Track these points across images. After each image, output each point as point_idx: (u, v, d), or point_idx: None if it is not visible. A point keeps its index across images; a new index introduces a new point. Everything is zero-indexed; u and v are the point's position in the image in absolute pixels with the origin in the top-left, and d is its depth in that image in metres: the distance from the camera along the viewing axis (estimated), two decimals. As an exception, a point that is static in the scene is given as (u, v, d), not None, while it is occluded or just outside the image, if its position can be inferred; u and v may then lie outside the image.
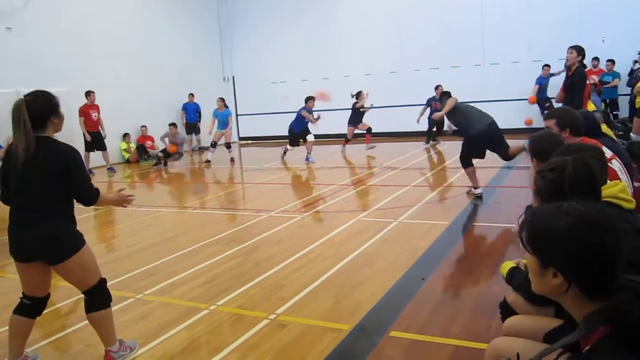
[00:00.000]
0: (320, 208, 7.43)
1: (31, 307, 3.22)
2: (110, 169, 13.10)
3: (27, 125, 2.95)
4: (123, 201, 3.52)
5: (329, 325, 3.68)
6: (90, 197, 3.16)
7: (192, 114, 16.52)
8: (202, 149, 16.74)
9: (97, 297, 3.23)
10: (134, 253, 5.89)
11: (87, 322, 3.75)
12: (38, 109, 3.02)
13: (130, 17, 15.33)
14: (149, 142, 15.32)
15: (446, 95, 7.80)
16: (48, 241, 3.04)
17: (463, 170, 7.52)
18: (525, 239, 1.51)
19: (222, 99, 13.98)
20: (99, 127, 12.81)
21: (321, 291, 4.37)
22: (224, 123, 13.65)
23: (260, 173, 11.34)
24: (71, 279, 3.20)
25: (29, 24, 12.49)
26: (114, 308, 4.14)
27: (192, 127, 16.58)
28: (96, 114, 12.72)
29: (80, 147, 12.67)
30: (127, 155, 14.85)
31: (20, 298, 3.23)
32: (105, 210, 8.46)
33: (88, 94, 12.65)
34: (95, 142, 12.73)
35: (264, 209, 7.52)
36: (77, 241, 3.15)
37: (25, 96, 3.05)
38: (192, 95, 16.45)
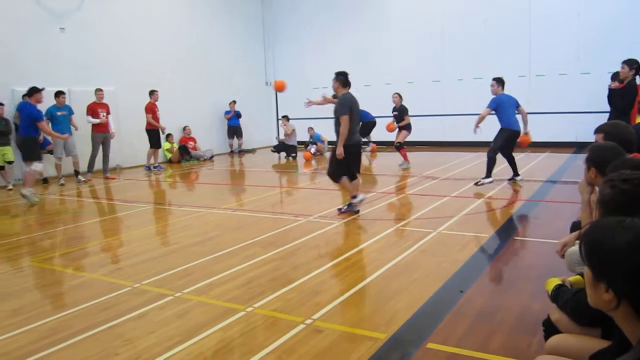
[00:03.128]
0: (358, 215, 7.41)
1: None
2: (158, 167, 13.46)
3: None
4: None
5: (365, 334, 3.66)
6: None
7: (234, 118, 16.77)
8: (242, 152, 16.97)
9: None
10: (174, 252, 6.00)
11: (126, 317, 3.86)
12: None
13: (177, 20, 15.68)
14: (191, 143, 15.59)
15: None
16: None
17: (505, 182, 7.39)
18: (583, 249, 1.48)
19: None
20: (159, 125, 13.28)
21: (358, 298, 4.35)
22: None
23: (300, 177, 11.40)
24: None
25: (81, 24, 12.91)
26: (153, 304, 4.25)
27: (234, 130, 16.82)
28: (160, 112, 13.22)
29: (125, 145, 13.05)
30: (169, 155, 15.15)
31: None
32: (146, 208, 8.63)
33: (152, 92, 13.07)
34: (158, 138, 13.23)
35: (303, 213, 7.55)
36: None
37: None
38: (233, 102, 16.69)
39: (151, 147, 13.35)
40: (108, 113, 12.32)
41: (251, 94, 17.69)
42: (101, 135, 12.20)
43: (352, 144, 7.15)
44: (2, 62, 11.51)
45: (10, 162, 11.33)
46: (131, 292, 4.64)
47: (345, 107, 7.02)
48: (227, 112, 16.82)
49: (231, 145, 17.09)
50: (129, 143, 13.67)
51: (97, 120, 12.02)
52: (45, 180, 11.74)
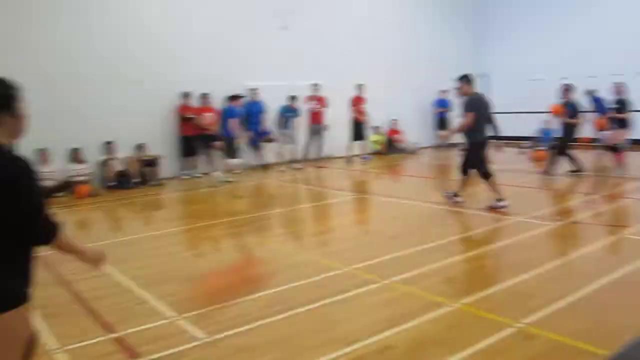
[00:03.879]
0: (576, 218, 6.81)
1: None
2: (366, 158, 13.94)
3: None
4: (98, 260, 2.49)
5: (584, 347, 3.36)
6: (46, 236, 2.14)
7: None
8: (447, 146, 16.67)
9: None
10: (381, 240, 6.17)
11: (338, 297, 4.09)
12: None
13: (387, 11, 16.00)
14: (397, 136, 15.83)
15: None
16: None
17: None
18: None
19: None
20: (364, 118, 13.74)
21: (577, 307, 4.01)
22: None
23: (510, 175, 10.85)
24: None
25: (298, 24, 13.87)
26: (363, 289, 4.44)
27: (442, 122, 16.61)
28: (363, 105, 13.71)
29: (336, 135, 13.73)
30: (377, 147, 15.57)
31: None
32: (355, 197, 9.00)
33: (359, 86, 13.64)
34: (361, 131, 13.73)
35: (514, 212, 7.18)
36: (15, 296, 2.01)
37: None
38: (444, 91, 16.46)
39: (353, 139, 13.83)
40: (323, 106, 13.13)
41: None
42: (315, 126, 13.06)
43: (476, 142, 7.50)
44: (235, 58, 12.91)
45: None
46: (342, 275, 4.91)
47: (469, 106, 7.48)
48: (439, 104, 16.60)
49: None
50: (340, 134, 14.34)
51: (309, 107, 12.95)
52: (265, 167, 12.93)
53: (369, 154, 14.43)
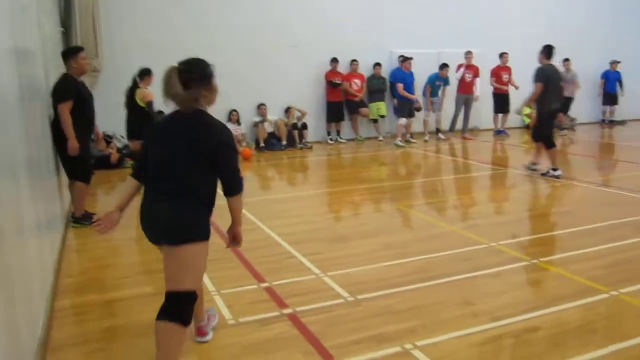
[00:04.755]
0: None
1: (171, 308, 2.66)
2: (503, 132, 13.17)
3: (177, 97, 2.62)
4: (237, 242, 2.98)
5: None
6: (236, 187, 2.75)
7: (612, 82, 15.04)
8: (614, 123, 15.19)
9: (184, 310, 2.65)
10: (530, 218, 5.89)
11: (482, 272, 4.00)
12: (188, 80, 2.62)
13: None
14: (552, 110, 14.76)
15: None
16: (174, 221, 2.64)
17: None
18: None
19: None
20: (508, 89, 12.98)
21: None
22: None
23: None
24: (173, 269, 2.65)
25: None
26: (509, 266, 4.29)
27: (611, 97, 15.14)
28: (507, 76, 12.94)
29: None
30: (527, 120, 14.66)
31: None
32: (500, 171, 8.62)
33: (501, 55, 12.91)
34: (503, 103, 13.00)
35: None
36: (204, 231, 2.70)
37: (178, 64, 2.66)
38: (616, 62, 14.93)
39: (495, 111, 13.12)
40: (476, 76, 12.60)
41: (626, 59, 15.45)
42: (464, 96, 12.59)
43: (548, 111, 7.79)
44: (383, 26, 12.79)
45: (382, 116, 12.73)
46: (487, 250, 4.76)
47: (540, 76, 7.70)
48: (606, 73, 15.07)
49: (604, 113, 15.48)
50: (487, 106, 13.68)
51: (459, 74, 12.47)
52: (411, 136, 12.78)
53: (512, 128, 13.59)
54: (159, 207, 2.65)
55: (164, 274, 2.70)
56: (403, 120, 11.99)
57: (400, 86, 11.89)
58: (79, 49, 5.90)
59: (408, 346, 3.06)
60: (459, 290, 3.90)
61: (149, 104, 7.23)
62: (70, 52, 5.77)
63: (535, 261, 4.42)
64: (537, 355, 2.97)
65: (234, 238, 2.98)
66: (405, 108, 12.03)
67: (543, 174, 7.93)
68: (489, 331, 3.26)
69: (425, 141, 12.18)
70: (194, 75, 2.65)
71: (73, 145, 5.38)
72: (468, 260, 4.46)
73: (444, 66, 12.35)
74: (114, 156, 9.46)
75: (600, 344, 3.11)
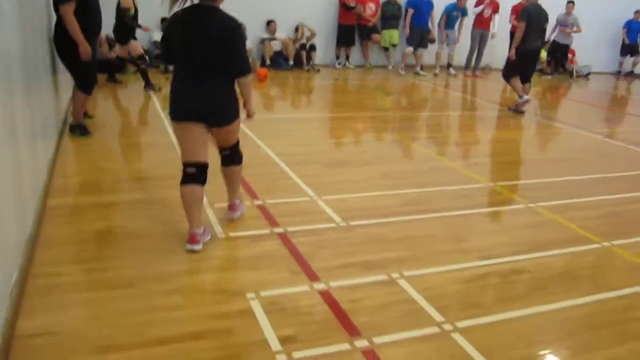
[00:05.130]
0: None
1: (196, 174, 3.22)
2: None
3: None
4: (252, 114, 3.42)
5: None
6: (243, 72, 3.17)
7: (634, 34, 14.51)
8: (633, 75, 14.79)
9: (236, 155, 3.52)
10: (533, 162, 5.82)
11: (477, 210, 3.98)
12: None
13: None
14: (569, 55, 14.34)
15: None
16: (220, 108, 3.21)
17: None
18: None
19: None
20: None
21: None
22: None
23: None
24: (223, 138, 3.40)
25: None
26: (505, 207, 4.26)
27: (631, 48, 14.65)
28: None
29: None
30: (540, 65, 14.28)
31: (183, 169, 3.26)
32: (507, 113, 8.47)
33: None
34: None
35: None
36: (237, 109, 3.30)
37: None
38: (639, 12, 14.36)
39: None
40: (495, 12, 12.12)
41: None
42: (479, 31, 12.16)
43: (527, 49, 7.90)
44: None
45: (394, 45, 12.37)
46: (485, 189, 4.73)
47: (523, 15, 7.87)
48: (629, 23, 14.50)
49: (621, 64, 15.04)
50: (501, 44, 13.25)
51: (478, 9, 11.98)
52: (421, 68, 12.45)
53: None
54: (199, 95, 3.11)
55: (215, 141, 3.41)
56: (409, 49, 11.70)
57: (410, 12, 11.50)
58: None
59: (395, 275, 3.07)
60: (451, 226, 3.88)
61: (124, 10, 7.71)
62: None
63: (532, 205, 4.39)
64: (520, 297, 2.99)
65: (248, 115, 3.38)
66: (416, 37, 11.66)
67: (509, 108, 8.33)
68: (476, 269, 3.26)
69: (435, 75, 11.92)
70: None
71: (85, 49, 5.04)
72: (464, 198, 4.43)
73: None
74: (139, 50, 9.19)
75: (585, 291, 3.11)
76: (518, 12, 8.07)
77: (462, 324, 2.64)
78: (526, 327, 2.71)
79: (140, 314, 2.57)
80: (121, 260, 3.09)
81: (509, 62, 8.16)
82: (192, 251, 3.19)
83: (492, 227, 3.94)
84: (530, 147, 6.76)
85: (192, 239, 3.22)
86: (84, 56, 5.06)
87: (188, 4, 3.06)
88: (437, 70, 12.14)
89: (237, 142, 3.52)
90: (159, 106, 7.22)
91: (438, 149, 6.16)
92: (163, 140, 5.49)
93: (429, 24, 11.78)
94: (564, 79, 13.43)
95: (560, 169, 5.51)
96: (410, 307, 2.76)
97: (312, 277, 3.00)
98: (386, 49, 12.44)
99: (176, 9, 3.07)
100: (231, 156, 3.51)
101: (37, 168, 3.76)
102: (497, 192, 4.66)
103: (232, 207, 3.66)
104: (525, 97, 8.08)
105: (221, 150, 3.49)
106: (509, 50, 8.16)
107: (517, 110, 8.17)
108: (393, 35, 12.24)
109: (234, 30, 3.08)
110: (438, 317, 2.68)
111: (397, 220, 3.87)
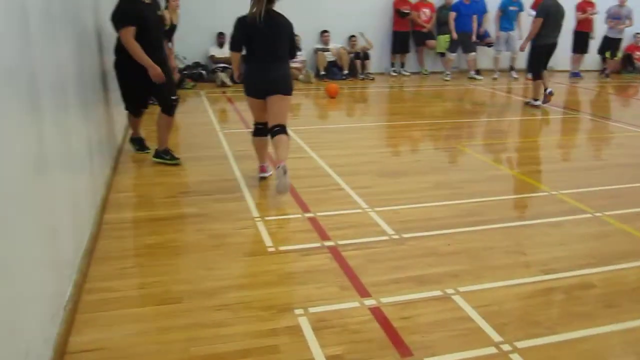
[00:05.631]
0: None
1: (262, 130, 4.56)
2: (576, 75, 12.25)
3: (271, 4, 4.27)
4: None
5: None
6: (295, 55, 4.72)
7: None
8: None
9: (285, 129, 4.35)
10: (599, 168, 5.49)
11: (539, 221, 3.77)
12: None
13: None
14: (638, 53, 13.60)
15: None
16: (285, 79, 4.43)
17: None
18: None
19: None
20: (592, 26, 11.97)
21: None
22: None
23: None
24: (279, 110, 4.37)
25: None
26: (569, 217, 4.03)
27: None
28: (593, 14, 11.87)
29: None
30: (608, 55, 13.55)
31: (254, 125, 4.63)
32: (572, 116, 8.08)
33: None
34: (583, 42, 12.02)
35: None
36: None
37: None
38: None
39: (574, 51, 12.10)
40: None
41: None
42: None
43: (541, 44, 8.20)
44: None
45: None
46: (547, 198, 4.48)
47: (541, 11, 8.15)
48: None
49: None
50: (566, 45, 12.72)
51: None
52: (477, 72, 12.11)
53: (589, 70, 12.64)
54: (271, 71, 4.35)
55: (269, 115, 4.39)
56: (450, 55, 11.44)
57: (452, 15, 11.24)
58: None
59: (450, 291, 2.93)
60: (511, 237, 3.69)
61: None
62: None
63: (598, 214, 4.12)
64: (587, 315, 2.78)
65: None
66: (456, 42, 11.35)
67: (526, 103, 8.77)
68: (537, 284, 3.07)
69: (494, 79, 11.55)
70: None
71: (155, 72, 4.74)
72: (525, 208, 4.22)
73: None
74: (175, 77, 9.46)
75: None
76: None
77: (522, 344, 2.47)
78: (594, 348, 2.51)
79: (188, 330, 2.56)
80: (172, 275, 3.10)
81: (531, 58, 8.43)
82: (263, 178, 4.72)
83: (556, 238, 3.71)
84: (596, 152, 6.40)
85: (262, 170, 4.75)
86: (156, 79, 4.77)
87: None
88: (497, 75, 11.75)
89: (286, 125, 4.43)
90: (214, 120, 7.32)
91: (496, 156, 5.92)
92: (217, 153, 5.56)
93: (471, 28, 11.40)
94: (634, 78, 12.72)
95: (628, 174, 5.18)
96: (466, 326, 2.62)
97: (363, 292, 2.90)
98: (442, 55, 12.18)
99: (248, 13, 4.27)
100: (281, 130, 4.34)
101: (94, 184, 3.85)
102: (560, 201, 4.40)
103: (278, 163, 4.17)
104: (539, 101, 8.50)
105: (272, 127, 4.36)
106: (523, 43, 8.71)
107: (530, 104, 8.62)
108: (448, 41, 11.97)
109: (292, 26, 4.43)
110: (496, 336, 2.53)
111: (453, 232, 3.72)
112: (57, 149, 2.71)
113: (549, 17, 8.02)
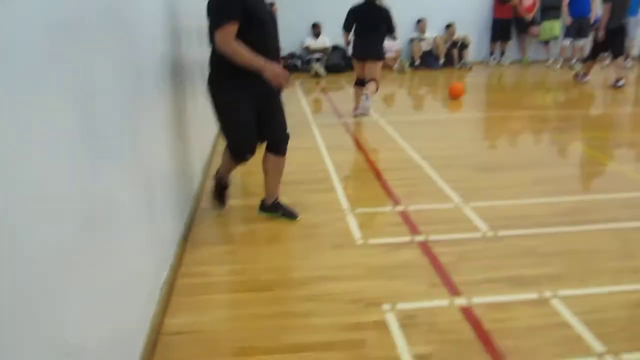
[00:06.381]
0: None
1: (361, 82, 6.57)
2: None
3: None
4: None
5: None
6: (392, 32, 6.62)
7: None
8: None
9: (375, 82, 6.49)
10: None
11: None
12: None
13: None
14: None
15: None
16: (379, 48, 6.53)
17: None
18: None
19: None
20: None
21: None
22: None
23: None
24: (370, 69, 6.48)
25: None
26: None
27: None
28: None
29: None
30: None
31: (356, 79, 6.76)
32: None
33: None
34: None
35: None
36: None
37: None
38: None
39: None
40: None
41: None
42: None
43: (613, 27, 8.50)
44: None
45: (555, 37, 11.42)
46: (662, 198, 4.12)
47: None
48: None
49: None
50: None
51: None
52: (579, 61, 11.31)
53: None
54: (369, 42, 6.46)
55: (366, 72, 6.50)
56: (564, 42, 10.74)
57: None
58: None
59: (547, 294, 2.76)
60: (619, 239, 3.42)
61: None
62: None
63: None
64: None
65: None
66: (572, 27, 10.64)
67: (612, 85, 8.75)
68: (647, 291, 2.83)
69: (602, 68, 10.77)
70: None
71: (273, 71, 3.16)
72: (634, 208, 3.89)
73: None
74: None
75: None
76: None
77: (628, 357, 2.28)
78: None
79: (277, 318, 2.60)
80: (263, 263, 3.16)
81: (612, 40, 8.62)
82: (356, 116, 6.68)
83: (670, 242, 3.40)
84: None
85: (356, 109, 6.67)
86: (277, 80, 3.19)
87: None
88: (607, 62, 10.96)
89: (377, 80, 6.48)
90: (308, 111, 7.39)
91: (603, 151, 5.51)
92: (309, 144, 5.61)
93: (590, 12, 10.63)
94: None
95: None
96: (565, 333, 2.46)
97: (453, 291, 2.81)
98: (546, 42, 11.55)
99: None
100: (372, 80, 6.40)
101: (193, 170, 4.02)
102: (679, 202, 4.03)
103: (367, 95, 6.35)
104: (623, 82, 8.68)
105: (368, 79, 6.46)
106: (599, 31, 8.67)
107: (617, 86, 8.67)
108: (554, 27, 11.30)
109: (388, 11, 6.42)
110: (598, 346, 2.35)
111: (553, 232, 3.50)
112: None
113: (616, 1, 8.43)
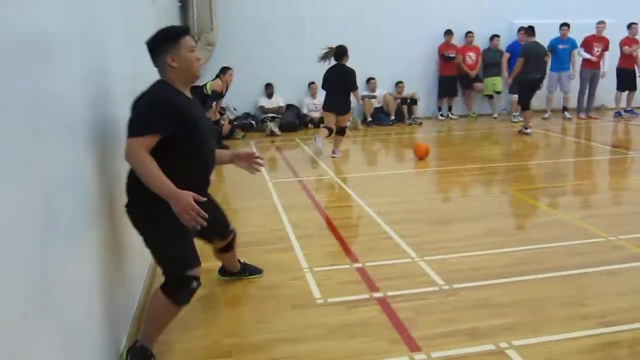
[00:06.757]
0: None
1: (330, 129, 7.99)
2: (631, 112, 11.84)
3: (343, 60, 8.02)
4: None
5: None
6: (354, 88, 7.98)
7: None
8: None
9: (343, 131, 8.15)
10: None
11: (595, 269, 3.62)
12: (343, 55, 8.10)
13: None
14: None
15: None
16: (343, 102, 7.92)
17: None
18: None
19: None
20: (635, 65, 11.60)
21: None
22: None
23: None
24: (341, 121, 7.98)
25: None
26: (629, 264, 3.86)
27: None
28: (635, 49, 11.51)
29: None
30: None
31: (327, 127, 8.02)
32: (630, 156, 7.82)
33: (630, 26, 11.44)
34: (629, 80, 11.65)
35: None
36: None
37: (336, 47, 7.92)
38: None
39: (618, 89, 11.67)
40: (605, 49, 11.41)
41: None
42: (590, 71, 11.46)
43: (525, 79, 9.53)
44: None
45: (498, 92, 12.01)
46: (605, 244, 4.31)
47: (522, 52, 9.63)
48: None
49: None
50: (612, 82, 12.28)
51: (587, 56, 11.35)
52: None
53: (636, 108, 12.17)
54: (336, 98, 7.86)
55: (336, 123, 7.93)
56: (515, 97, 11.29)
57: (505, 56, 11.60)
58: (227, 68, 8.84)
59: (503, 345, 2.84)
60: (567, 287, 3.56)
61: (214, 92, 8.68)
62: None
63: (663, 262, 3.93)
64: (655, 371, 2.63)
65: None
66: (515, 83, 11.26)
67: (519, 131, 9.85)
68: (598, 337, 2.93)
69: (544, 119, 11.36)
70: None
71: (182, 203, 2.52)
72: (581, 255, 4.07)
73: (563, 26, 11.26)
74: (226, 128, 9.78)
75: None
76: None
77: (582, 404, 2.36)
78: (662, 408, 2.36)
79: (238, 385, 2.57)
80: (221, 327, 3.13)
81: (519, 92, 9.82)
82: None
83: (615, 288, 3.55)
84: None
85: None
86: (185, 214, 2.53)
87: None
88: (548, 115, 11.55)
89: (345, 127, 8.12)
90: (264, 170, 7.46)
91: (550, 201, 5.77)
92: (266, 203, 5.65)
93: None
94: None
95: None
96: (522, 383, 2.52)
97: (413, 347, 2.85)
98: (490, 97, 12.12)
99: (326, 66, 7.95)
100: (341, 131, 8.02)
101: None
102: (620, 247, 4.23)
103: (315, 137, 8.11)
104: (530, 130, 9.67)
105: (337, 130, 7.98)
106: (509, 80, 10.34)
107: (522, 132, 9.74)
108: (496, 83, 11.91)
109: (352, 73, 7.79)
110: (554, 394, 2.42)
111: (505, 282, 3.62)
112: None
113: (529, 58, 9.37)
